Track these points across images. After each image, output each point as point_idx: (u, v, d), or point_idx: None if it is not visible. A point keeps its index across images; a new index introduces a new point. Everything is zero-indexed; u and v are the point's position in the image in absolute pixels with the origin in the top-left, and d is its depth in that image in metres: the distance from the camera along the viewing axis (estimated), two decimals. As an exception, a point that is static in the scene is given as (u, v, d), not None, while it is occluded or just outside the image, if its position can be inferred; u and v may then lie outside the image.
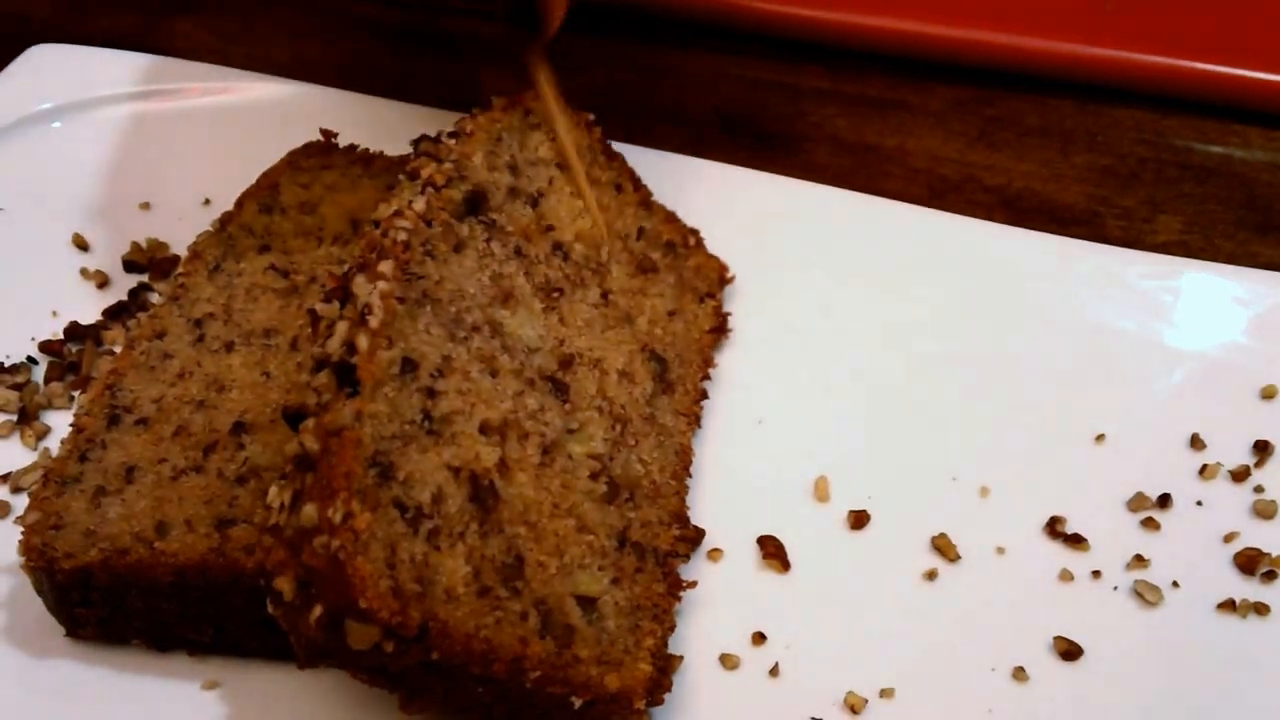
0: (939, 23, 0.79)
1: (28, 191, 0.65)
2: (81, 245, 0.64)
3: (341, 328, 0.44)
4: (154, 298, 0.62)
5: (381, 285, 0.44)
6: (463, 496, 0.43)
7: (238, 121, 0.68)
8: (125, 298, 0.62)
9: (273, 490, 0.42)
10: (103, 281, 0.63)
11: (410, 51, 0.83)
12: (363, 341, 0.42)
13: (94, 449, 0.48)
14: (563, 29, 0.80)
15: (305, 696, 0.46)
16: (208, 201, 0.65)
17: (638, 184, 0.59)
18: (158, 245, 0.64)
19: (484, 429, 0.45)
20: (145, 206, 0.66)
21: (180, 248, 0.64)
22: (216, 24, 0.85)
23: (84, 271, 0.63)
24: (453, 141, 0.51)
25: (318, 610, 0.39)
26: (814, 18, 0.80)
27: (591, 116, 0.58)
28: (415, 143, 0.52)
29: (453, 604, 0.40)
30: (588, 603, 0.44)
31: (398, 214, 0.47)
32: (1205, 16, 0.79)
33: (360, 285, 0.44)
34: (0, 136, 0.66)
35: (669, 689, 0.46)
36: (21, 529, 0.46)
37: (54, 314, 0.61)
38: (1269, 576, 0.50)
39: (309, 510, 0.40)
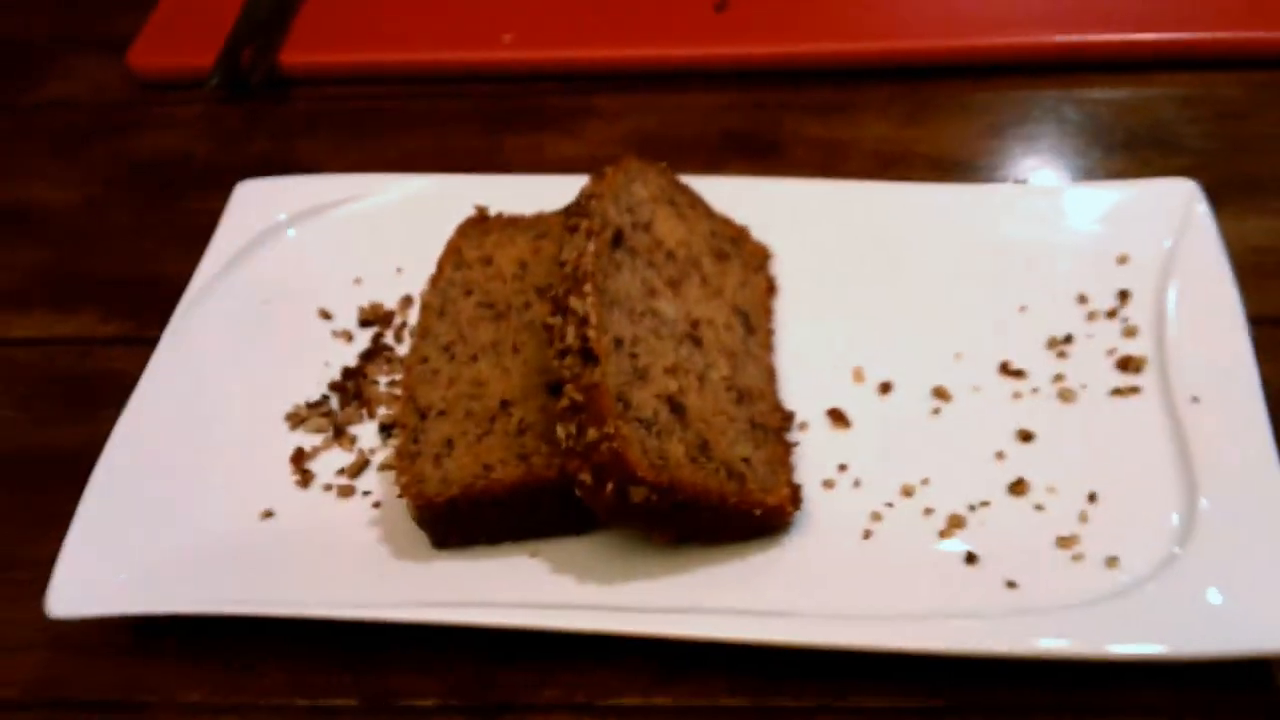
0: (874, 39, 1.09)
1: (280, 284, 0.90)
2: (325, 315, 0.89)
3: (570, 330, 0.72)
4: (388, 340, 0.90)
5: (590, 299, 0.73)
6: (667, 411, 0.72)
7: (403, 209, 0.94)
8: (369, 344, 0.88)
9: (559, 429, 0.70)
10: (349, 337, 0.88)
11: (494, 130, 1.09)
12: (592, 334, 0.71)
13: (420, 434, 0.76)
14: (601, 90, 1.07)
15: (592, 554, 0.73)
16: (400, 270, 0.91)
17: (701, 201, 0.88)
18: (376, 305, 0.90)
19: (666, 371, 0.74)
20: (358, 281, 0.91)
21: (390, 304, 0.91)
22: (337, 137, 1.09)
23: (333, 332, 0.88)
24: (593, 203, 0.80)
25: (610, 486, 0.67)
26: (782, 52, 1.09)
27: (665, 164, 0.87)
28: (569, 208, 0.81)
29: (680, 468, 0.69)
30: (745, 461, 0.74)
31: (580, 255, 0.76)
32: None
33: (575, 302, 0.73)
34: (249, 248, 0.91)
35: (800, 500, 0.74)
36: (400, 487, 0.73)
37: (326, 364, 0.86)
38: (1137, 370, 0.77)
39: (592, 432, 0.68)
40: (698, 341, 0.78)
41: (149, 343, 0.90)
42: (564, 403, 0.70)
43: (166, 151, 1.11)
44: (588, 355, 0.71)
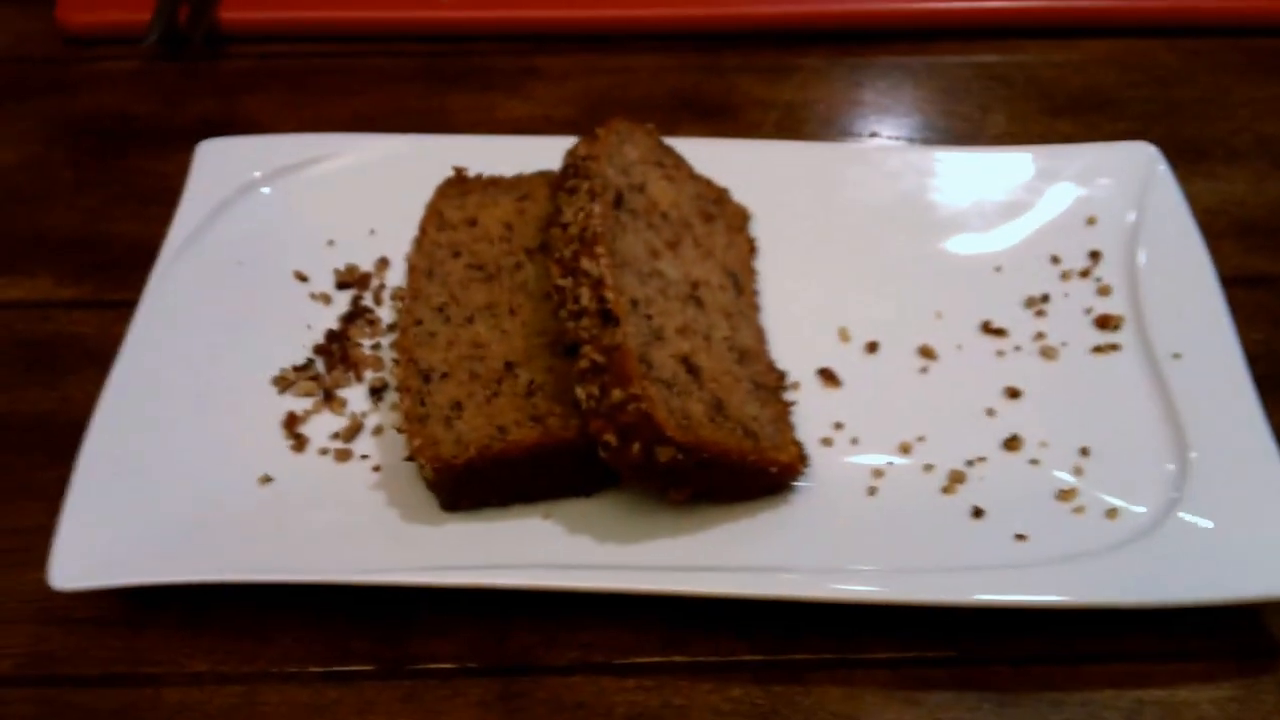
0: (814, 1, 1.11)
1: (251, 246, 0.88)
2: (301, 277, 0.88)
3: (585, 292, 0.73)
4: (367, 302, 0.89)
5: (603, 261, 0.74)
6: (683, 371, 0.73)
7: (372, 169, 0.93)
8: (348, 307, 0.87)
9: (579, 390, 0.71)
10: (326, 299, 0.87)
11: (439, 89, 1.08)
12: (610, 295, 0.72)
13: (425, 397, 0.76)
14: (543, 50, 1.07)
15: (604, 514, 0.74)
16: (373, 231, 0.90)
17: (685, 163, 0.88)
18: (352, 267, 0.89)
19: (678, 332, 0.75)
20: (331, 243, 0.90)
21: (366, 266, 0.90)
22: (281, 96, 1.07)
23: (311, 295, 0.87)
24: (590, 164, 0.81)
25: (636, 446, 0.68)
26: (723, 14, 1.11)
27: (651, 125, 0.88)
28: (564, 169, 0.82)
29: (702, 428, 0.71)
30: (755, 419, 0.76)
31: (588, 216, 0.76)
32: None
33: (588, 263, 0.74)
34: (218, 210, 0.89)
35: (807, 458, 0.76)
36: (412, 450, 0.73)
37: (308, 327, 0.85)
38: (1116, 327, 0.81)
39: (616, 393, 0.69)
40: (699, 302, 0.79)
41: (111, 305, 0.89)
42: (583, 364, 0.71)
43: (104, 109, 1.09)
44: (607, 316, 0.71)
